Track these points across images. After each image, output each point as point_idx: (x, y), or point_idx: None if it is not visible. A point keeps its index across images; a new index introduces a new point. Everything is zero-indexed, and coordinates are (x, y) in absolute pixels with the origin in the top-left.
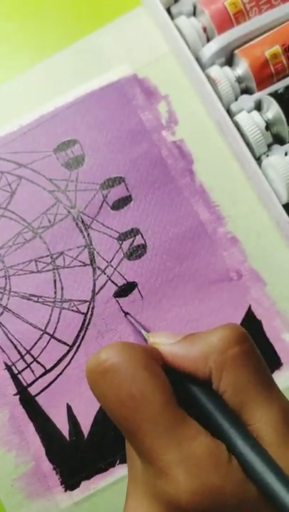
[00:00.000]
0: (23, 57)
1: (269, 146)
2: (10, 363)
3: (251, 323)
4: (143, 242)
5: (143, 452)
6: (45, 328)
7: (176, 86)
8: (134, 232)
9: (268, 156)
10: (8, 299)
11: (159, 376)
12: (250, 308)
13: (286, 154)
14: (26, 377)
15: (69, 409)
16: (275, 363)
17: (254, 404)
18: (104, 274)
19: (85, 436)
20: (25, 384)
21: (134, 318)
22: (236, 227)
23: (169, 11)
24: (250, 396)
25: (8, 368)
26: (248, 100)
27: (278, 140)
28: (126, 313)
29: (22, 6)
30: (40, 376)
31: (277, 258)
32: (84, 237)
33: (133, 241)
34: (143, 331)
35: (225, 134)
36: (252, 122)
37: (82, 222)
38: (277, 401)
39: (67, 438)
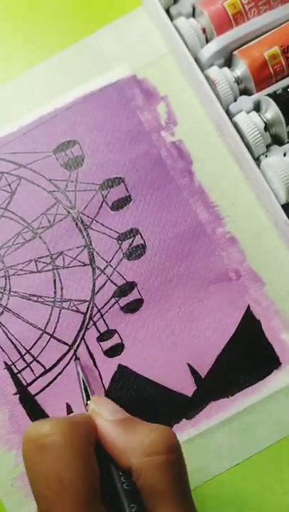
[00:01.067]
0: (22, 58)
1: (268, 146)
2: (10, 363)
3: (250, 323)
4: (142, 242)
5: None
6: (45, 327)
7: (175, 87)
8: (133, 232)
9: (266, 156)
10: (8, 299)
11: (91, 467)
12: (248, 308)
13: (285, 155)
14: (26, 376)
15: (69, 408)
16: (274, 362)
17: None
18: (104, 274)
19: None
20: (24, 383)
21: (83, 369)
22: (235, 228)
23: (168, 11)
24: (162, 504)
25: (8, 367)
26: (246, 101)
27: (277, 141)
28: (76, 359)
29: (21, 6)
30: (40, 376)
31: (276, 258)
32: (83, 237)
33: (132, 241)
34: (84, 395)
35: (224, 135)
36: (251, 123)
37: (82, 222)
38: None
39: None
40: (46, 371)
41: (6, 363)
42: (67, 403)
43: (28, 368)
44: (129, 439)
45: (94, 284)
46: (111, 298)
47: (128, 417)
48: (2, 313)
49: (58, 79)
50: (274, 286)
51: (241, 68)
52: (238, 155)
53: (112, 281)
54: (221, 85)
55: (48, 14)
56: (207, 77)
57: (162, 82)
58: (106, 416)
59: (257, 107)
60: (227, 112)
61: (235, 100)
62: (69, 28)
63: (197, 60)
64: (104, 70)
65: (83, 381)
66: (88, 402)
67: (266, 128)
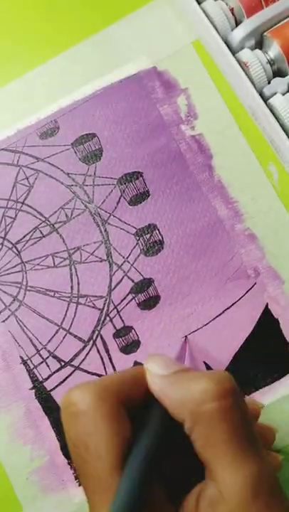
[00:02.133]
0: (41, 50)
1: None
2: (26, 358)
3: (268, 321)
4: (160, 238)
5: (87, 498)
6: (61, 323)
7: (197, 79)
8: (151, 227)
9: None
10: (25, 294)
11: (118, 433)
12: (267, 306)
13: None
14: (42, 371)
15: None
16: None
17: (220, 465)
18: (121, 269)
19: None
20: (40, 379)
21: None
22: (254, 224)
23: None
24: (219, 455)
25: (24, 362)
26: (281, 83)
27: None
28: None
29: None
30: (56, 371)
31: None
32: (101, 232)
33: (150, 237)
34: None
35: (258, 120)
36: (287, 104)
37: (100, 217)
38: (249, 465)
39: None
40: (62, 367)
41: (22, 358)
42: None
43: (44, 364)
44: (181, 392)
45: (111, 280)
46: (128, 294)
47: (182, 369)
48: (19, 307)
49: (76, 71)
50: None
51: (274, 49)
52: (275, 139)
53: (129, 278)
54: (254, 68)
55: (65, 6)
56: (239, 61)
57: (183, 74)
58: (157, 371)
59: None
60: (261, 95)
61: (269, 83)
62: (87, 20)
63: (227, 44)
64: (124, 62)
65: None
66: None
67: None
